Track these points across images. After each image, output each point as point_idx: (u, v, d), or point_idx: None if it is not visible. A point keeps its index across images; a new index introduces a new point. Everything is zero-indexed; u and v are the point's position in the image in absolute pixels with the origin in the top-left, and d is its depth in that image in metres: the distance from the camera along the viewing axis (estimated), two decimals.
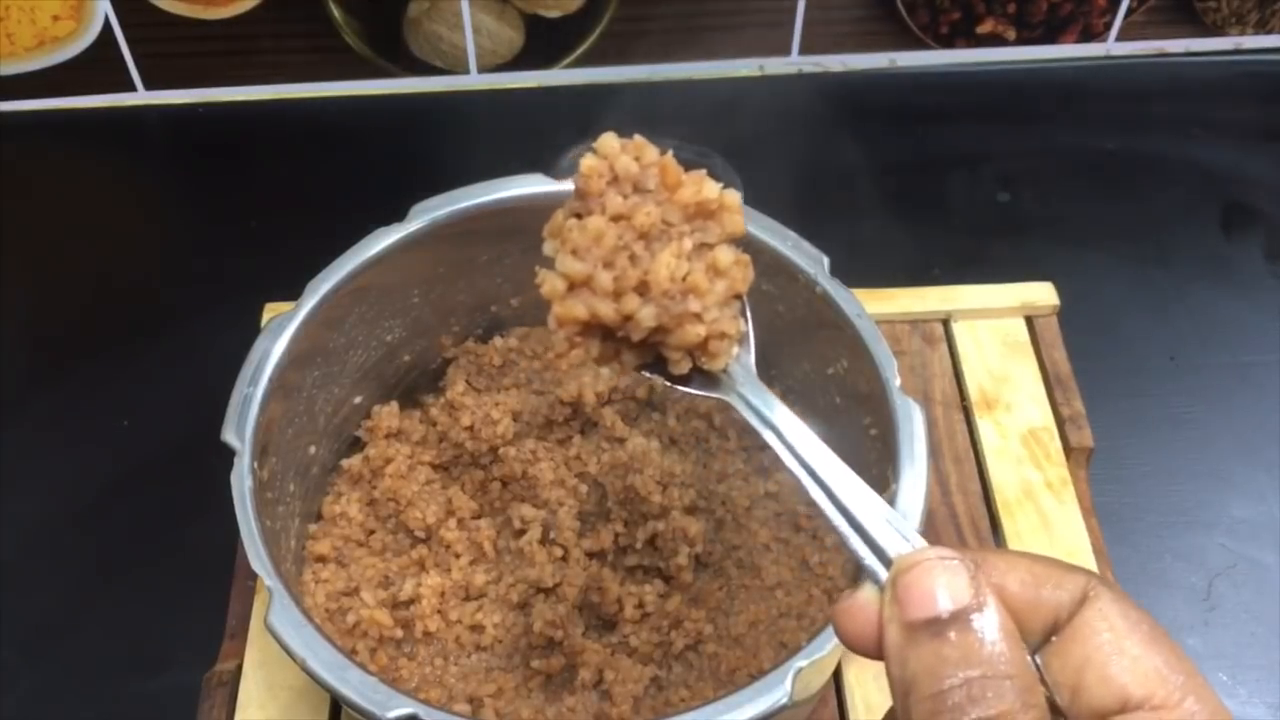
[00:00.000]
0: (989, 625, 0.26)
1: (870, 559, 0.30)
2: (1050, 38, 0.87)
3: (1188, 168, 0.82)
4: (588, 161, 0.35)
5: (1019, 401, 0.63)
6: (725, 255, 0.35)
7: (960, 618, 0.27)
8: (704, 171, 0.36)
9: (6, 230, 0.78)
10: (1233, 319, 0.73)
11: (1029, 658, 0.27)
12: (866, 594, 0.29)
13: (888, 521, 0.30)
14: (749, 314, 0.37)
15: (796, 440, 0.33)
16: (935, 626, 0.27)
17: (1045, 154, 0.84)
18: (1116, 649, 0.27)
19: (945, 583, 0.27)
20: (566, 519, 0.55)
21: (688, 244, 0.34)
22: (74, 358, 0.71)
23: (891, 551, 0.30)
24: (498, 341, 0.61)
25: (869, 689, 0.54)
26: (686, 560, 0.53)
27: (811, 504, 0.32)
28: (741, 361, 0.36)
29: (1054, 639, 0.28)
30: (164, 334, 0.72)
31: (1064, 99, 0.87)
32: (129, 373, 0.70)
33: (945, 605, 0.27)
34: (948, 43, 0.87)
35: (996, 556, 0.28)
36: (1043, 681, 0.27)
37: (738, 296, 0.36)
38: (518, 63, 0.86)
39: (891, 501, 0.47)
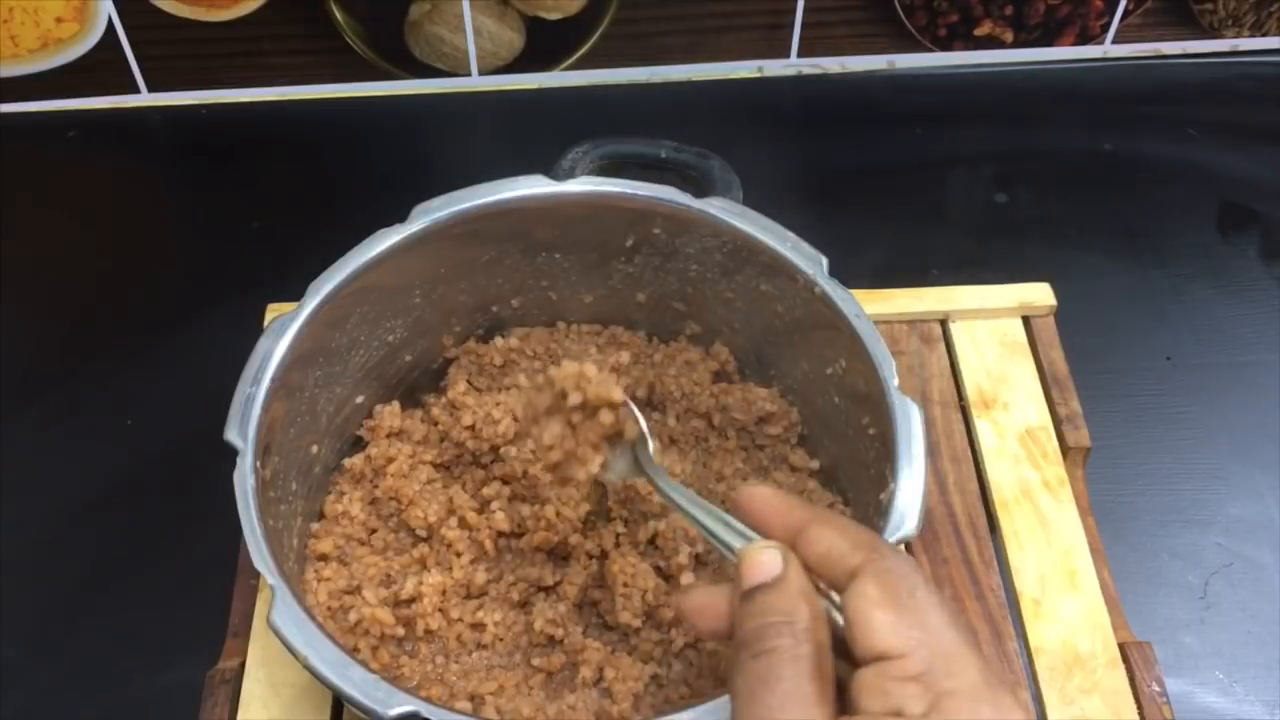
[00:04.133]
0: (788, 587, 0.37)
1: (727, 554, 0.41)
2: (1047, 40, 0.88)
3: (1184, 169, 0.82)
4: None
5: (1017, 401, 0.63)
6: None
7: (772, 584, 0.37)
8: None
9: (10, 230, 0.79)
10: (1229, 319, 0.74)
11: (824, 605, 0.37)
12: (709, 590, 0.40)
13: (738, 531, 0.42)
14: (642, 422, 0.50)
15: (681, 497, 0.46)
16: (755, 590, 0.37)
17: (1043, 155, 0.84)
18: (866, 613, 0.35)
19: (765, 560, 0.38)
20: (567, 518, 0.55)
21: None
22: (77, 357, 0.71)
23: (737, 545, 0.41)
24: (499, 341, 0.62)
25: None
26: (687, 559, 0.54)
27: (697, 529, 0.44)
28: (642, 454, 0.50)
29: (845, 594, 0.37)
30: (167, 334, 0.72)
31: (1061, 100, 0.87)
32: (132, 372, 0.70)
33: (761, 576, 0.38)
34: (946, 45, 0.87)
35: (816, 528, 0.39)
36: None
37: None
38: (518, 64, 0.86)
39: (890, 500, 0.48)
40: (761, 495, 0.42)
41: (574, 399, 0.49)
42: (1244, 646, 0.60)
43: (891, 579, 0.36)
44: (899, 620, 0.35)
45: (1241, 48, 0.89)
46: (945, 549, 0.58)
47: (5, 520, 0.64)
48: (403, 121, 0.85)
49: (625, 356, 0.60)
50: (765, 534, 0.41)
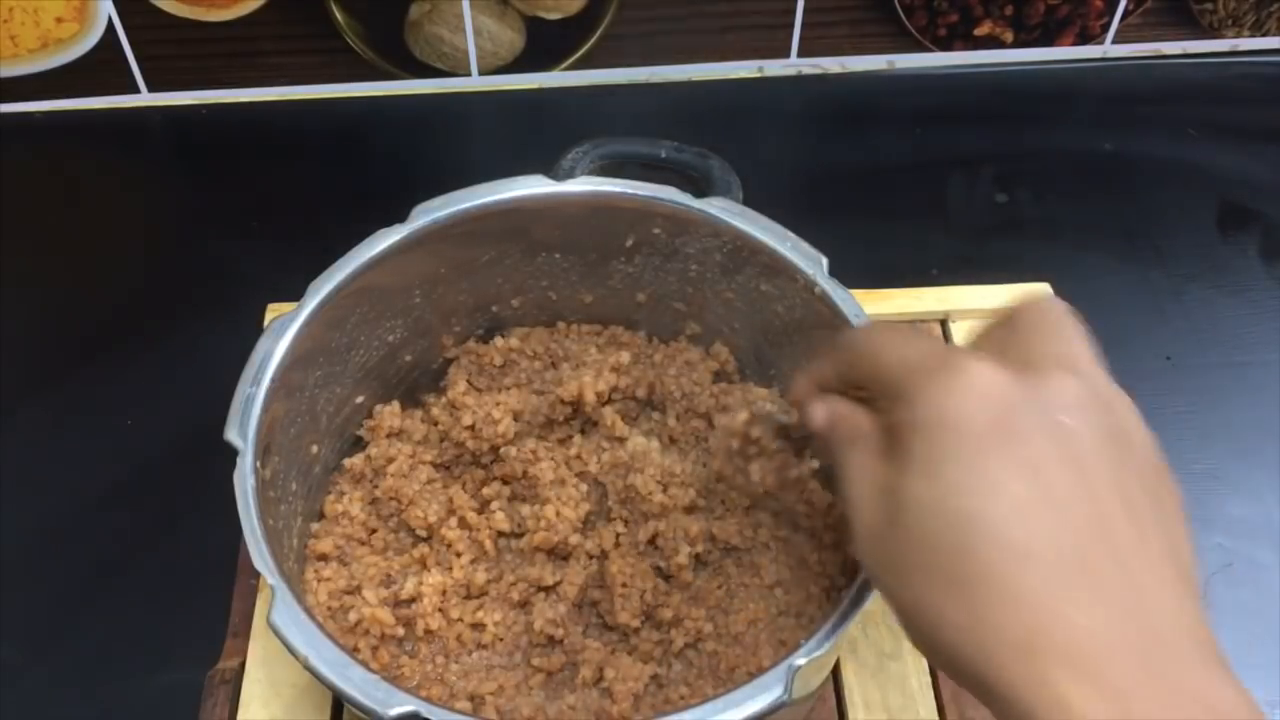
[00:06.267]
0: None
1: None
2: (1047, 40, 0.88)
3: (1184, 169, 0.82)
4: None
5: None
6: None
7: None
8: None
9: (9, 231, 0.79)
10: (1229, 319, 0.74)
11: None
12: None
13: None
14: None
15: None
16: None
17: (1042, 155, 0.84)
18: None
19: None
20: (567, 518, 0.55)
21: None
22: (77, 358, 0.71)
23: None
24: (499, 341, 0.62)
25: (868, 687, 0.54)
26: (686, 559, 0.54)
27: None
28: None
29: None
30: (167, 334, 0.72)
31: (1061, 100, 0.87)
32: (132, 373, 0.70)
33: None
34: (946, 45, 0.87)
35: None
36: None
37: None
38: (518, 64, 0.86)
39: None
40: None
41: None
42: (1245, 647, 0.59)
43: None
44: None
45: (1241, 48, 0.89)
46: None
47: (5, 520, 0.64)
48: (403, 122, 0.85)
49: (625, 356, 0.60)
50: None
